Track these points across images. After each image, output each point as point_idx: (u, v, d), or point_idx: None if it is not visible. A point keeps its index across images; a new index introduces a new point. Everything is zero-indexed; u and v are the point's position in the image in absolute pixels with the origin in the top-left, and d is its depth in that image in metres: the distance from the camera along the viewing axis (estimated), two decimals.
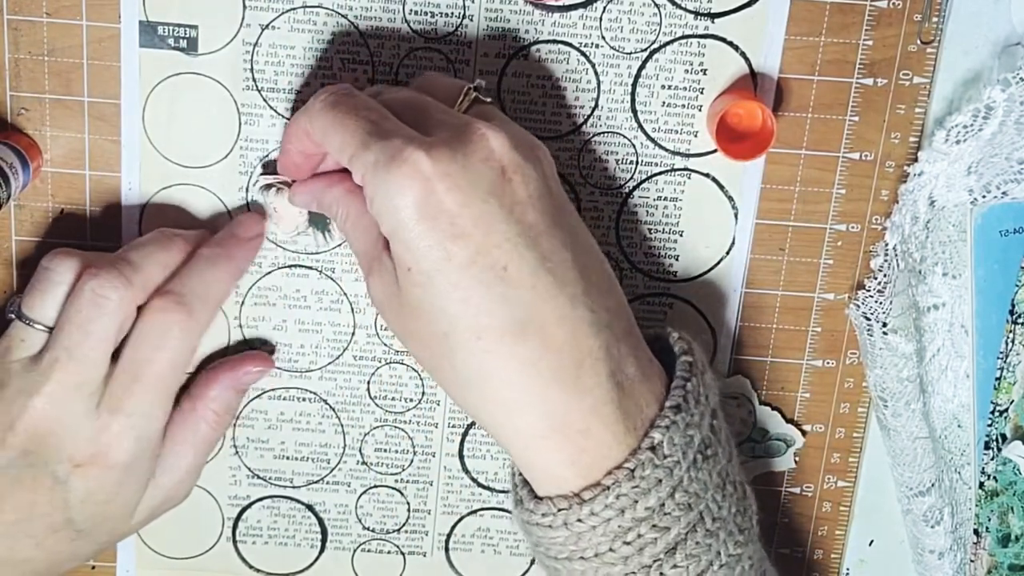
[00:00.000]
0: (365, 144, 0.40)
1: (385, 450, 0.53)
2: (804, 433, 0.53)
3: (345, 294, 0.51)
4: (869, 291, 0.50)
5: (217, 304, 0.48)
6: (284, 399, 0.52)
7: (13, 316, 0.45)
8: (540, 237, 0.40)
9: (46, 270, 0.45)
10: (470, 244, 0.39)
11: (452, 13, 0.47)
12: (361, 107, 0.41)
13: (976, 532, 0.54)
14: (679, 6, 0.47)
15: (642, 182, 0.49)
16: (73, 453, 0.44)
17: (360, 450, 0.53)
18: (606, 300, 0.41)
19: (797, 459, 0.53)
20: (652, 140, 0.49)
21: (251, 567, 0.54)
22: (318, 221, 0.49)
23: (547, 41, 0.48)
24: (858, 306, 0.50)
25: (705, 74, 0.48)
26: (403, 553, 0.55)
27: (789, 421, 0.53)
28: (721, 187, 0.50)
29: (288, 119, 0.48)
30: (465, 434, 0.53)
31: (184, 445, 0.48)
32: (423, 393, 0.52)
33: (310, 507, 0.54)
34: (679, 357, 0.43)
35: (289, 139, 0.45)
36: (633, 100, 0.48)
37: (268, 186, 0.49)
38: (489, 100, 0.44)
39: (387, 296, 0.42)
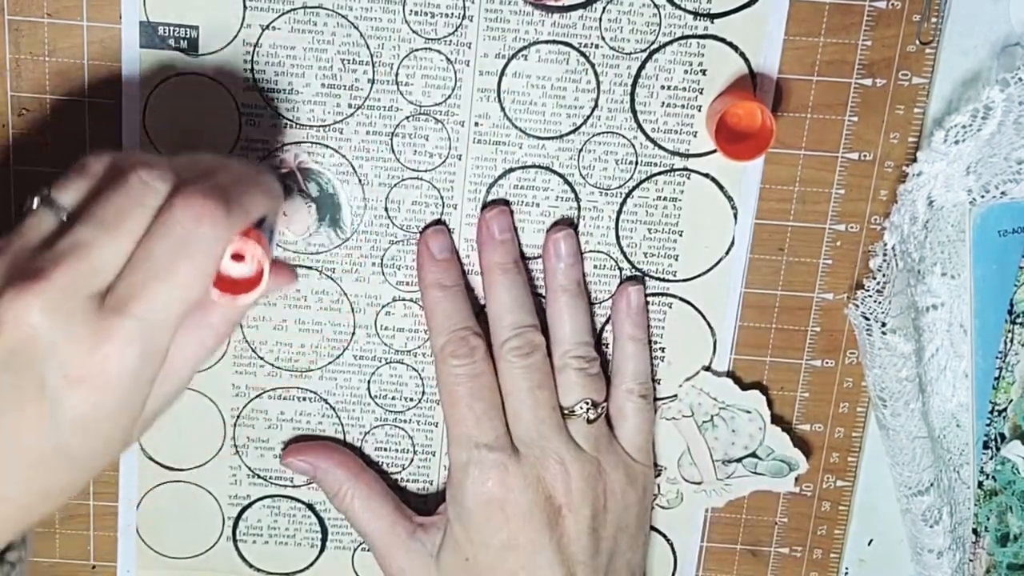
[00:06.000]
0: (460, 443, 0.49)
1: (385, 449, 0.53)
2: (808, 457, 0.53)
3: (345, 294, 0.51)
4: (868, 291, 0.50)
5: (246, 222, 0.41)
6: (284, 399, 0.52)
7: (37, 200, 0.40)
8: (576, 567, 0.48)
9: (84, 159, 0.40)
10: (520, 556, 0.48)
11: (452, 13, 0.47)
12: (475, 395, 0.48)
13: (975, 531, 0.54)
14: (678, 6, 0.47)
15: (642, 182, 0.49)
16: (66, 360, 0.37)
17: (360, 449, 0.53)
18: None
19: (797, 483, 0.54)
20: (652, 140, 0.49)
21: (251, 567, 0.54)
22: (329, 218, 0.49)
23: (547, 41, 0.48)
24: (857, 306, 0.50)
25: (704, 74, 0.48)
26: None
27: (797, 445, 0.53)
28: (721, 187, 0.50)
29: (288, 119, 0.48)
30: None
31: (183, 357, 0.41)
32: (423, 392, 0.52)
33: (310, 506, 0.54)
34: None
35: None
36: (633, 100, 0.48)
37: None
38: (596, 417, 0.50)
39: (416, 567, 0.50)
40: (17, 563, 0.41)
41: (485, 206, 0.50)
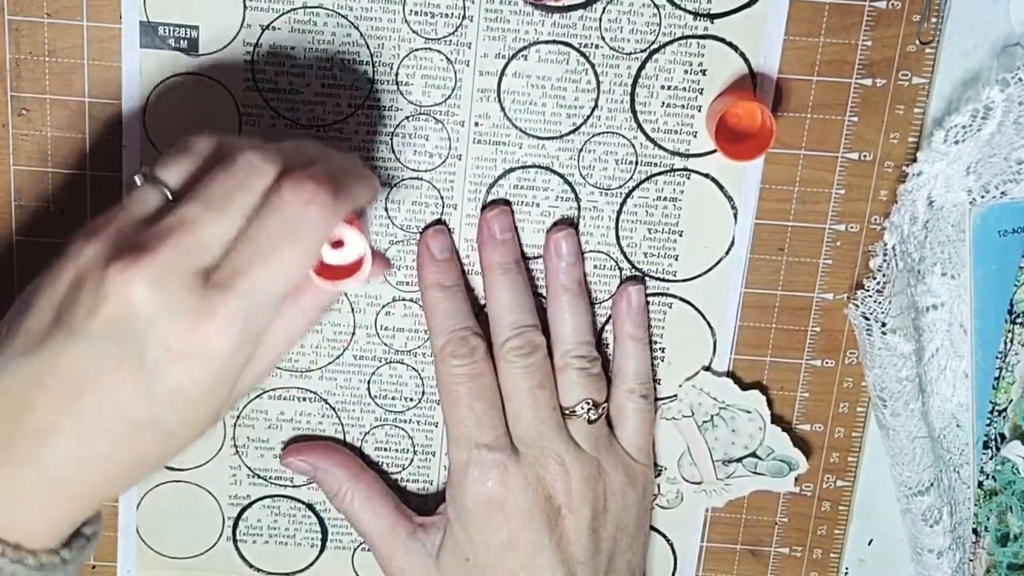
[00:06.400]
0: (460, 444, 0.49)
1: (385, 449, 0.53)
2: (808, 457, 0.53)
3: (345, 294, 0.51)
4: (868, 291, 0.50)
5: (351, 209, 0.41)
6: (284, 399, 0.52)
7: (141, 178, 0.40)
8: (576, 567, 0.48)
9: (188, 139, 0.41)
10: (519, 556, 0.48)
11: (452, 13, 0.47)
12: (475, 395, 0.48)
13: (975, 531, 0.54)
14: (678, 7, 0.47)
15: (642, 182, 0.49)
16: (168, 334, 0.37)
17: (360, 449, 0.53)
18: None
19: (797, 483, 0.54)
20: (652, 140, 0.49)
21: (251, 566, 0.54)
22: None
23: (547, 41, 0.48)
24: (857, 306, 0.50)
25: (704, 74, 0.48)
26: None
27: (797, 445, 0.53)
28: (721, 187, 0.50)
29: (288, 119, 0.48)
30: None
31: (275, 338, 0.42)
32: (423, 392, 0.52)
33: (310, 506, 0.54)
34: None
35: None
36: (633, 100, 0.48)
37: None
38: (597, 417, 0.49)
39: (416, 567, 0.50)
40: (92, 537, 0.42)
41: (485, 206, 0.50)
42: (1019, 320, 0.51)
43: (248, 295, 0.38)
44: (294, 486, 0.53)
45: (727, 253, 0.51)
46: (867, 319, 0.50)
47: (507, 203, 0.50)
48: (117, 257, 0.37)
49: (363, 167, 0.43)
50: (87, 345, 0.37)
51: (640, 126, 0.49)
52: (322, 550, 0.54)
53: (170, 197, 0.39)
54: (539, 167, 0.49)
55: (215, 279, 0.38)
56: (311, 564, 0.54)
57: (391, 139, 0.49)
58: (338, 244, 0.41)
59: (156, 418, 0.38)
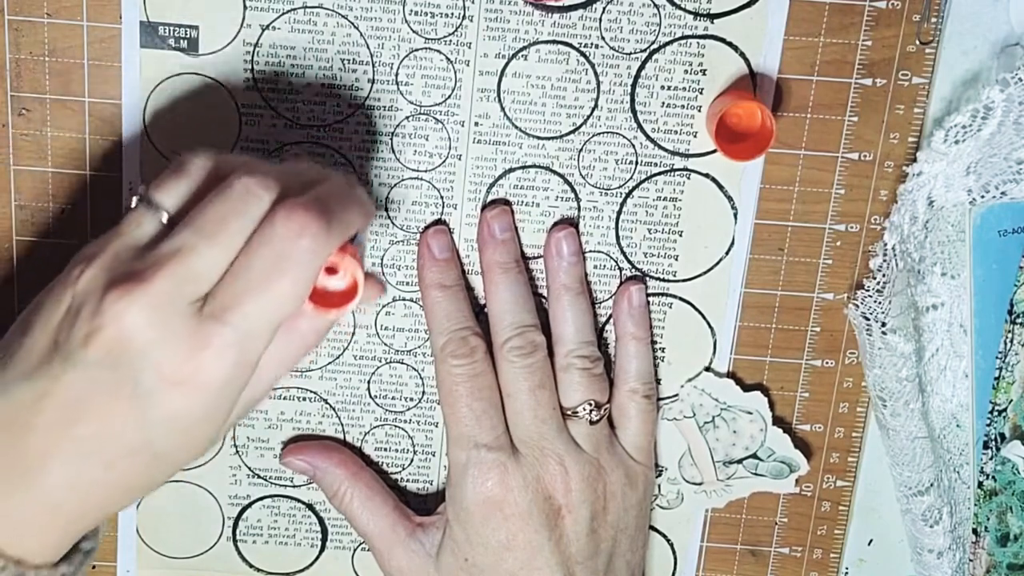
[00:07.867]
0: (459, 443, 0.48)
1: (385, 449, 0.53)
2: (808, 457, 0.53)
3: None
4: (868, 291, 0.50)
5: (344, 238, 0.41)
6: (284, 398, 0.52)
7: (138, 200, 0.40)
8: (575, 568, 0.48)
9: (185, 159, 0.41)
10: (518, 556, 0.48)
11: (452, 13, 0.47)
12: (475, 395, 0.48)
13: (975, 531, 0.54)
14: (679, 7, 0.47)
15: (642, 182, 0.49)
16: (162, 362, 0.38)
17: (360, 449, 0.53)
18: None
19: (797, 483, 0.54)
20: (652, 140, 0.49)
21: (251, 566, 0.54)
22: None
23: (547, 41, 0.48)
24: (857, 306, 0.50)
25: (704, 74, 0.48)
26: None
27: (798, 447, 0.53)
28: (721, 187, 0.50)
29: (288, 119, 0.48)
30: None
31: (270, 363, 0.42)
32: (423, 392, 0.52)
33: (310, 506, 0.54)
34: None
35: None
36: (632, 100, 0.48)
37: None
38: (599, 418, 0.49)
39: (416, 567, 0.50)
40: (89, 552, 0.43)
41: (485, 206, 0.50)
42: (1019, 320, 0.51)
43: (241, 326, 0.38)
44: (294, 486, 0.53)
45: (727, 253, 0.51)
46: (867, 319, 0.50)
47: (507, 203, 0.50)
48: (114, 285, 0.38)
49: (359, 192, 0.43)
50: (83, 372, 0.38)
51: (640, 126, 0.49)
52: (322, 550, 0.54)
53: (165, 221, 0.40)
54: (539, 167, 0.49)
55: (209, 309, 0.38)
56: (311, 564, 0.55)
57: (391, 139, 0.49)
58: (333, 270, 0.41)
59: (149, 443, 0.39)
